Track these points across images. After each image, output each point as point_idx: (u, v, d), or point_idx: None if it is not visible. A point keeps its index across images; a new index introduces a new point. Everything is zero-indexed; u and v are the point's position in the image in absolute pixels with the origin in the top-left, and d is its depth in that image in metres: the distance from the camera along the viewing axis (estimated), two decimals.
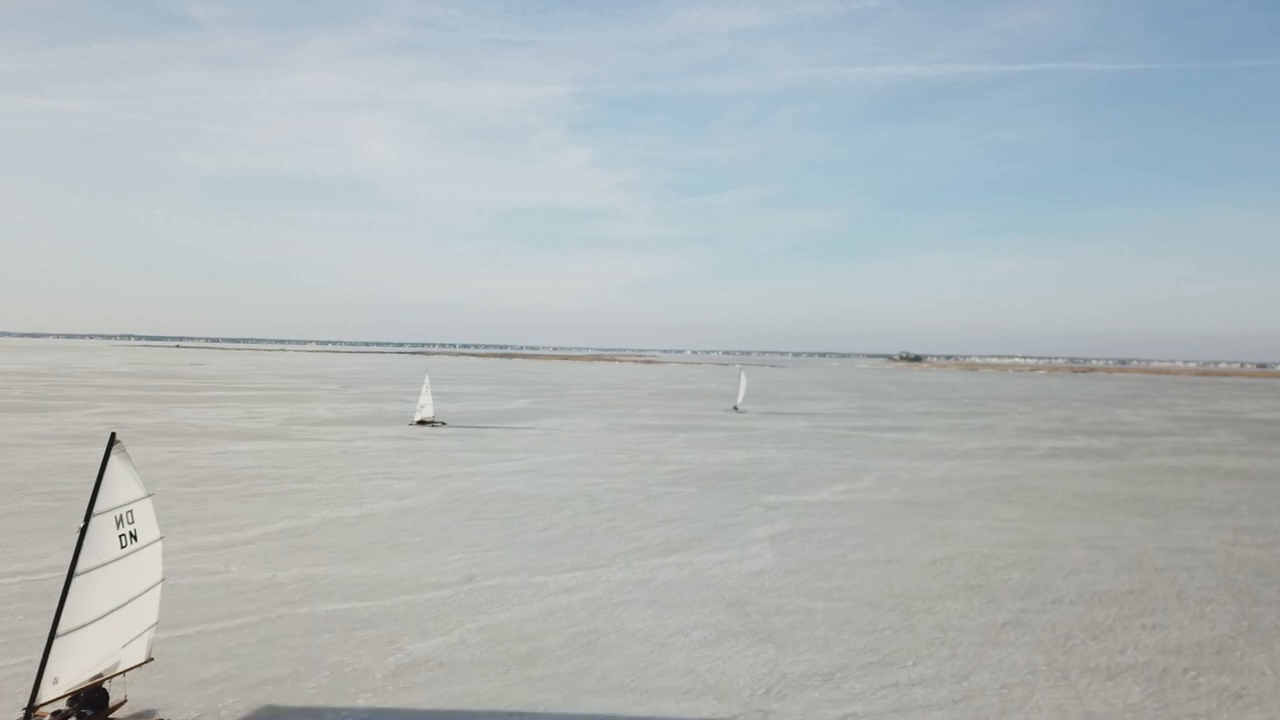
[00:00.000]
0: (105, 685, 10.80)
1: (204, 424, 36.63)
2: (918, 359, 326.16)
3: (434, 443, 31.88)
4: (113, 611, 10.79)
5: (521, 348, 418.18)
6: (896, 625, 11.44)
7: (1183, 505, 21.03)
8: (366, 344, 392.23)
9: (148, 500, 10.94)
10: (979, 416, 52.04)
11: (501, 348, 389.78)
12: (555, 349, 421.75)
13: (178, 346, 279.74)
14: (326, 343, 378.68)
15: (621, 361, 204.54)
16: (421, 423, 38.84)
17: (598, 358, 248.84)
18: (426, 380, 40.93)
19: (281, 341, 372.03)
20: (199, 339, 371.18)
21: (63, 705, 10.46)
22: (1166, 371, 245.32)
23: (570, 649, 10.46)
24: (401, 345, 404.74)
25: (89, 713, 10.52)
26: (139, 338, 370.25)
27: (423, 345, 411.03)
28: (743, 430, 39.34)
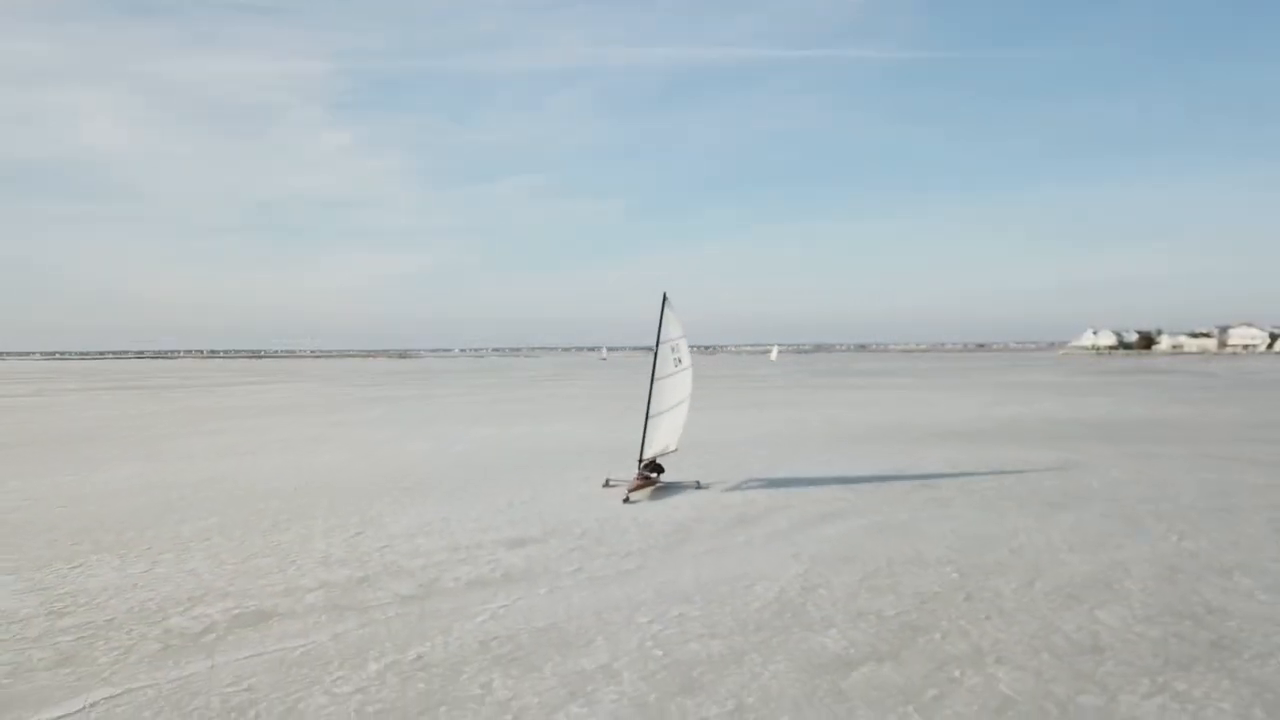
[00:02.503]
0: (660, 461, 17.21)
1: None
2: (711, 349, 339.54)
3: None
4: (671, 409, 16.98)
5: (277, 351, 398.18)
6: None
7: None
8: (100, 352, 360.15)
9: (684, 339, 16.93)
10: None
11: (254, 352, 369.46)
12: (314, 351, 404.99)
13: None
14: (54, 353, 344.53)
15: (372, 358, 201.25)
16: None
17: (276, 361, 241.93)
18: None
19: (3, 353, 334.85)
20: None
21: (642, 466, 16.55)
22: (909, 351, 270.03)
23: None
24: (142, 352, 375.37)
25: (654, 475, 16.64)
26: None
27: (166, 351, 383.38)
28: None
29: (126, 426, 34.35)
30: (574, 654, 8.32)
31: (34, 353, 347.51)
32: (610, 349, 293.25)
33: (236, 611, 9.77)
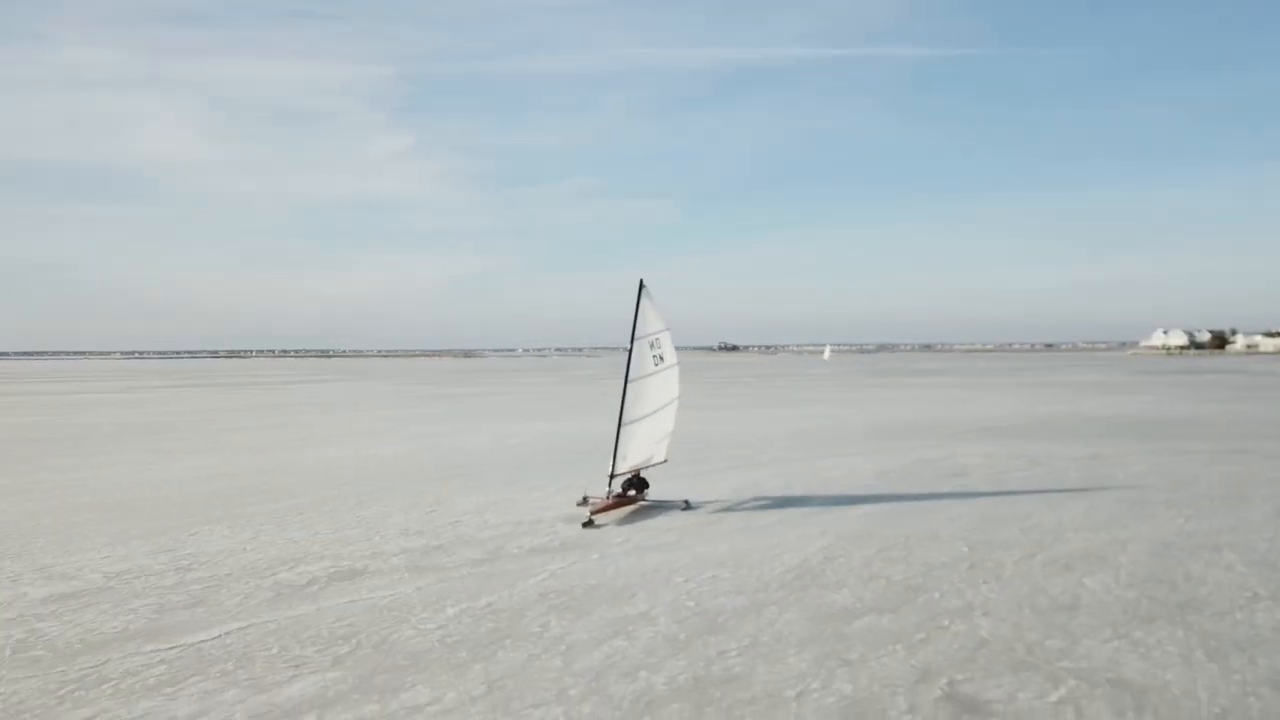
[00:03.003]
0: (643, 474, 15.01)
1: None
2: (734, 349, 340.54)
3: None
4: (651, 414, 14.85)
5: (345, 350, 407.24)
6: None
7: None
8: (177, 352, 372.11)
9: (668, 332, 14.88)
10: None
11: (323, 351, 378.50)
12: (381, 350, 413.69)
13: None
14: (132, 352, 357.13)
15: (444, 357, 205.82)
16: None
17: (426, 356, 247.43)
18: None
19: (84, 352, 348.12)
20: (11, 353, 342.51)
21: (622, 481, 14.74)
22: (973, 351, 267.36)
23: None
24: (215, 351, 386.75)
25: (633, 494, 14.74)
26: None
27: (237, 350, 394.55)
28: None
29: (211, 419, 36.84)
30: (618, 604, 9.80)
31: (114, 352, 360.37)
32: None
33: (333, 570, 11.45)
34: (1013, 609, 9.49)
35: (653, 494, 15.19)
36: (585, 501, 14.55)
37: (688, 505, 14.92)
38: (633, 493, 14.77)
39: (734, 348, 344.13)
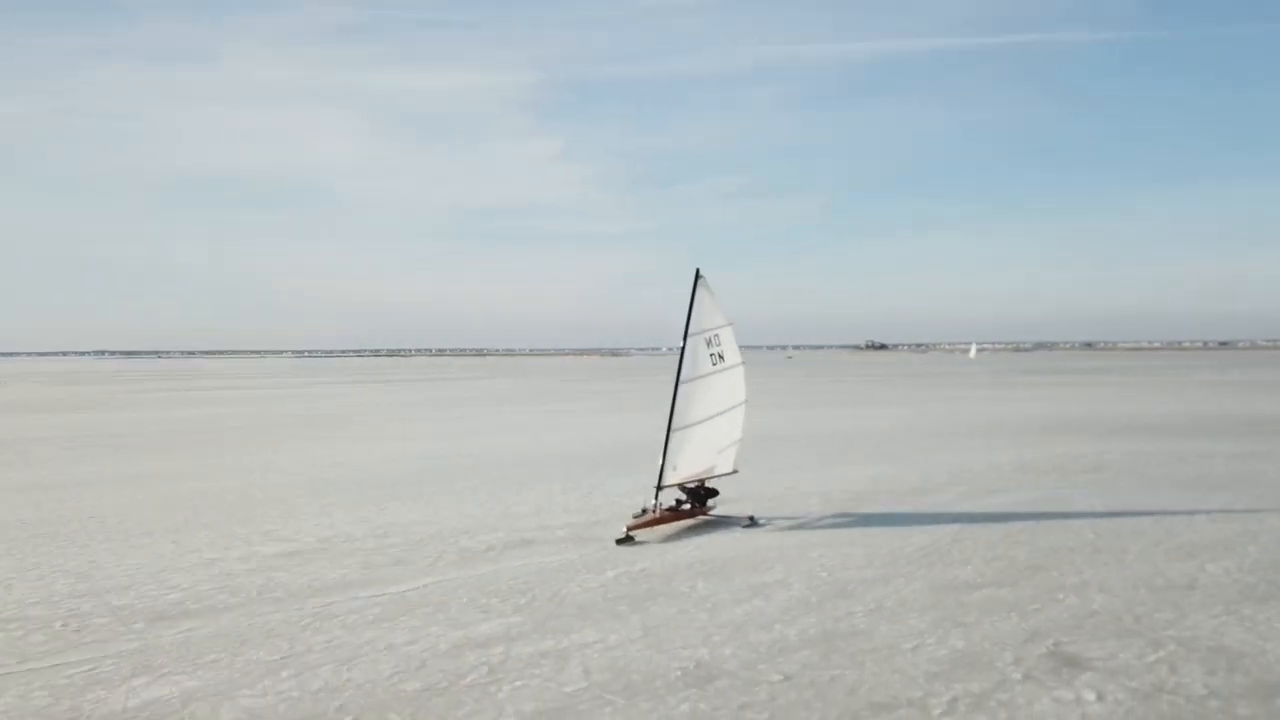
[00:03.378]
0: (706, 484, 13.41)
1: None
2: (883, 347, 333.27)
3: None
4: (709, 419, 13.25)
5: (497, 349, 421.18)
6: None
7: None
8: (342, 350, 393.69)
9: (730, 328, 13.25)
10: None
11: (478, 350, 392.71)
12: (531, 349, 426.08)
13: (159, 356, 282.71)
14: (302, 352, 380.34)
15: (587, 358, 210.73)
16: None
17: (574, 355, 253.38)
18: None
19: (259, 352, 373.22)
20: (174, 352, 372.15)
21: (678, 493, 13.26)
22: (1139, 350, 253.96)
23: None
24: (377, 350, 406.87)
25: (690, 506, 13.23)
26: (113, 353, 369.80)
27: (398, 349, 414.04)
28: None
29: (386, 411, 40.06)
30: (758, 572, 11.00)
31: (285, 351, 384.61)
32: (795, 348, 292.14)
33: (507, 539, 13.10)
34: (1128, 587, 10.16)
35: (723, 506, 13.85)
36: (643, 514, 13.05)
37: (753, 521, 13.34)
38: (687, 506, 13.25)
39: (882, 346, 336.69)
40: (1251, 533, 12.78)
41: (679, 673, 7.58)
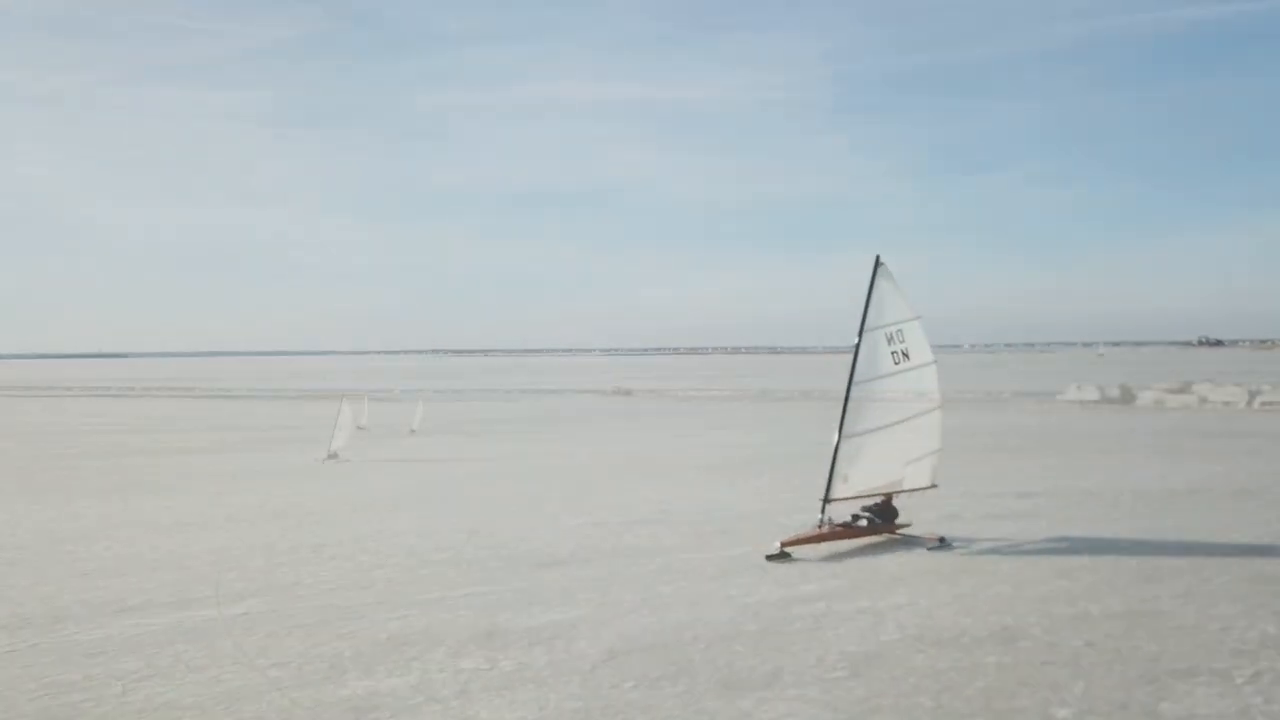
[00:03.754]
0: (894, 501, 12.00)
1: None
2: (1218, 343, 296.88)
3: None
4: (887, 426, 11.64)
5: (791, 347, 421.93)
6: None
7: None
8: (644, 349, 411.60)
9: (917, 321, 11.70)
10: None
11: (771, 348, 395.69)
12: (826, 348, 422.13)
13: (485, 355, 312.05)
14: (610, 349, 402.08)
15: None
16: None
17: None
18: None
19: (570, 350, 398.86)
20: (497, 351, 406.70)
21: (856, 509, 11.90)
22: None
23: None
24: (676, 349, 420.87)
25: (868, 522, 11.89)
26: (450, 352, 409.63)
27: (697, 348, 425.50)
28: None
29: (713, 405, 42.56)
30: (1068, 555, 11.61)
31: (594, 349, 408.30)
32: (1108, 345, 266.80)
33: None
34: None
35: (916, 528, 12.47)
36: (823, 525, 11.85)
37: (942, 543, 11.88)
38: (864, 522, 12.07)
39: (1218, 343, 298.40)
40: None
41: (985, 633, 8.57)
